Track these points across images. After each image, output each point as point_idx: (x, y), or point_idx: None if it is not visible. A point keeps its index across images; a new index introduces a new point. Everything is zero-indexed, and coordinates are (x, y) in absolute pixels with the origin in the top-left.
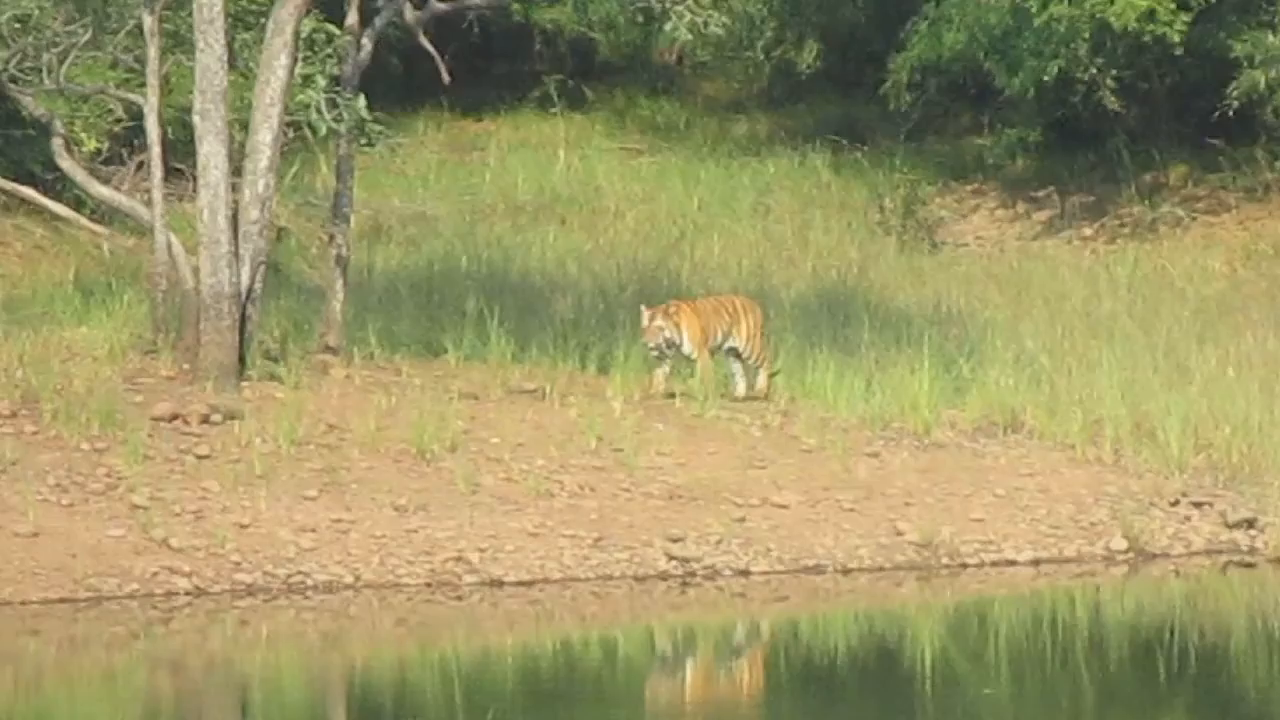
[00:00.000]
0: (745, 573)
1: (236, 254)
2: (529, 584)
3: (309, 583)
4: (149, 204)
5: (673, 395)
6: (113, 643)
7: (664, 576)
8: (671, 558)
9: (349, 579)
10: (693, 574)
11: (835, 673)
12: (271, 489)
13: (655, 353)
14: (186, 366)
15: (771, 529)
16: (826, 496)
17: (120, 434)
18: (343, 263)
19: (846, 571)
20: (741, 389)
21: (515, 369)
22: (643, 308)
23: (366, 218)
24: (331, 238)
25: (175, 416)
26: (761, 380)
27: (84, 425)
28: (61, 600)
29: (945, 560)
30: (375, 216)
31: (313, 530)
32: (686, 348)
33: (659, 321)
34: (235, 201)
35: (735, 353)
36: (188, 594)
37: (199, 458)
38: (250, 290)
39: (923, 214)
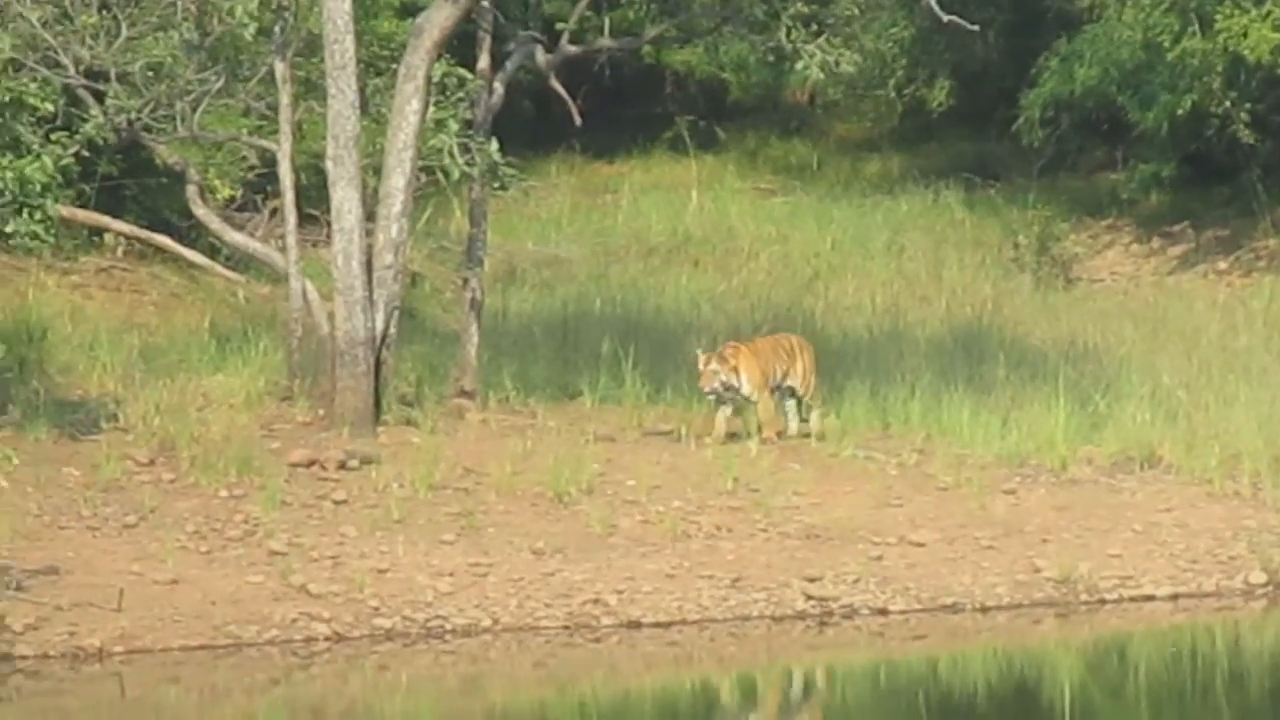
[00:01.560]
0: (883, 612)
1: (371, 299)
2: (666, 625)
3: (447, 627)
4: (283, 250)
5: (734, 436)
6: (252, 689)
7: (801, 616)
8: (809, 597)
9: (487, 622)
10: (830, 614)
11: (975, 711)
12: (409, 534)
13: (713, 397)
14: (322, 412)
15: (908, 567)
16: (963, 534)
17: (258, 480)
18: (477, 306)
19: (984, 609)
20: (793, 427)
21: (650, 411)
22: (699, 353)
23: (500, 261)
24: (465, 282)
25: (312, 462)
26: (816, 419)
27: (221, 472)
28: (201, 647)
29: (1084, 597)
30: (509, 260)
31: (450, 574)
32: (746, 389)
33: (714, 366)
34: (369, 247)
35: (791, 391)
36: (327, 639)
37: (336, 503)
38: (385, 335)
39: (1057, 250)
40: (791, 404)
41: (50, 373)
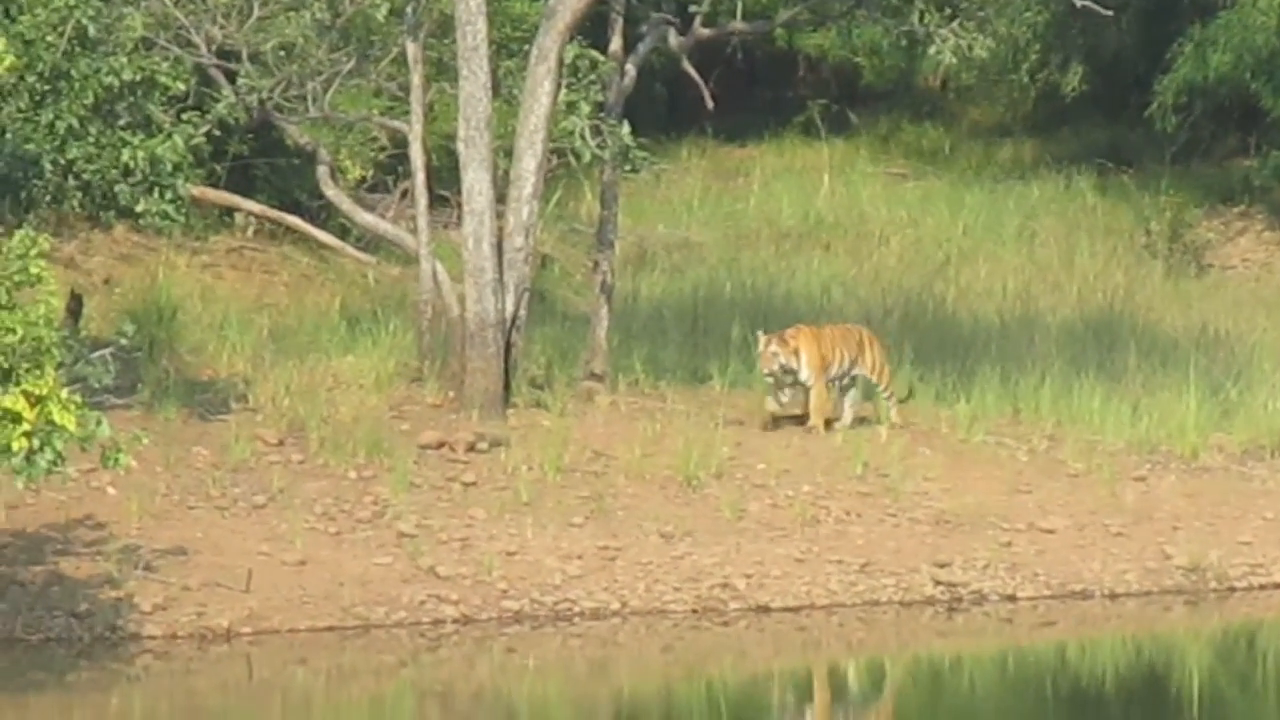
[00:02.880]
0: (1012, 598)
1: (501, 281)
2: (795, 610)
3: (575, 610)
4: (414, 232)
5: (863, 420)
6: (380, 671)
7: (930, 602)
8: (938, 583)
9: (615, 606)
10: (959, 600)
11: (1104, 699)
12: (538, 516)
13: (770, 379)
14: (452, 394)
15: (1038, 554)
16: (1093, 521)
17: (387, 462)
18: (607, 290)
19: (1114, 596)
20: (848, 419)
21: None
22: (760, 334)
23: (631, 244)
24: (596, 265)
25: (441, 444)
26: (894, 412)
27: (351, 454)
28: (329, 629)
29: (1213, 584)
30: (640, 243)
31: (579, 557)
32: (804, 374)
33: (773, 348)
34: (500, 229)
35: (864, 382)
36: (455, 622)
37: (465, 485)
38: (515, 318)
39: (1189, 237)
40: (852, 395)
41: (180, 353)
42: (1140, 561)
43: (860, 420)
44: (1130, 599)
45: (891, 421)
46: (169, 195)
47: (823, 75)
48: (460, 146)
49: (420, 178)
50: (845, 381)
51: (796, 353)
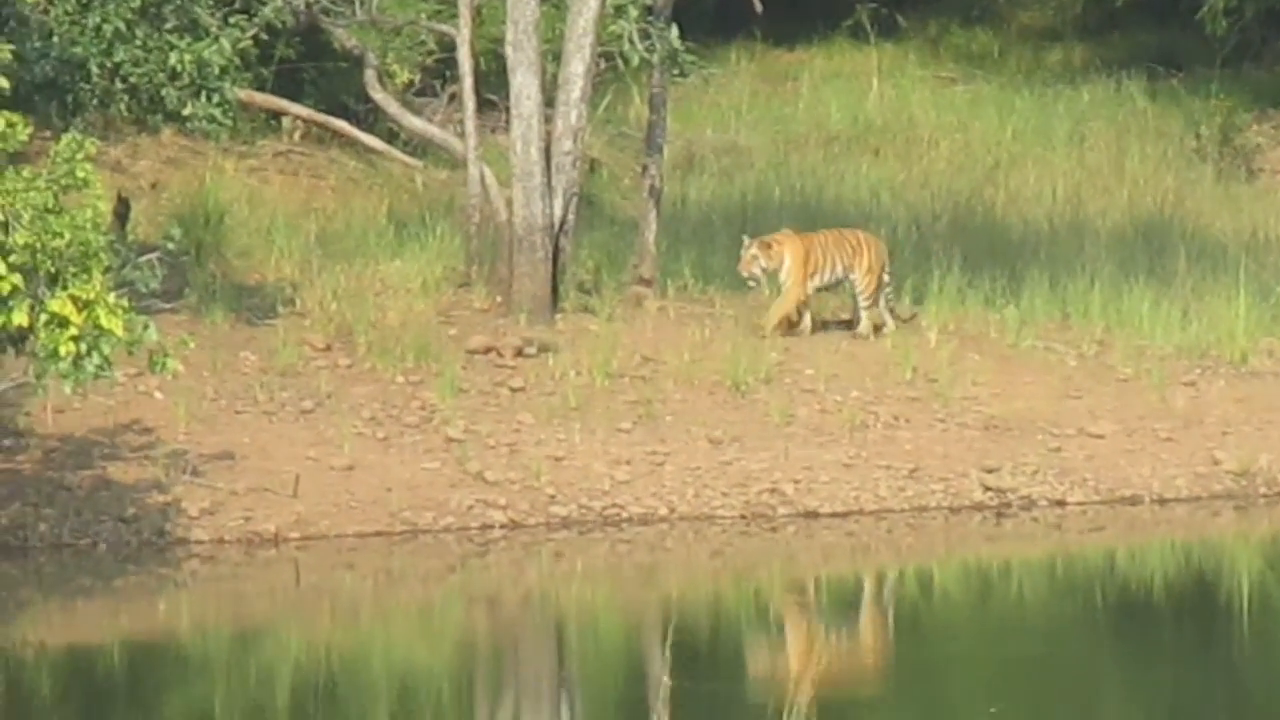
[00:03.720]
0: (1061, 503)
1: (549, 186)
2: (843, 516)
3: (624, 515)
4: (461, 136)
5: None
6: (428, 576)
7: (979, 508)
8: (987, 489)
9: (663, 511)
10: (1008, 505)
11: (1153, 604)
12: (586, 422)
13: (753, 283)
14: (500, 299)
15: (1087, 459)
16: (1143, 426)
17: (435, 367)
18: (656, 194)
19: (1163, 502)
20: (890, 323)
21: (829, 300)
22: (745, 238)
23: (679, 149)
24: (645, 169)
25: (489, 349)
26: (864, 322)
27: (399, 359)
28: (376, 534)
29: (1263, 490)
30: (688, 148)
31: (627, 463)
32: (784, 278)
33: (754, 252)
34: (548, 133)
35: (851, 286)
36: (503, 527)
37: (513, 390)
38: (563, 223)
39: (1239, 141)
40: (887, 295)
41: (227, 257)
42: (1189, 467)
43: (908, 325)
44: (1179, 504)
45: (860, 332)
46: (216, 99)
47: None
48: (508, 50)
49: (468, 82)
50: (837, 287)
51: (781, 258)
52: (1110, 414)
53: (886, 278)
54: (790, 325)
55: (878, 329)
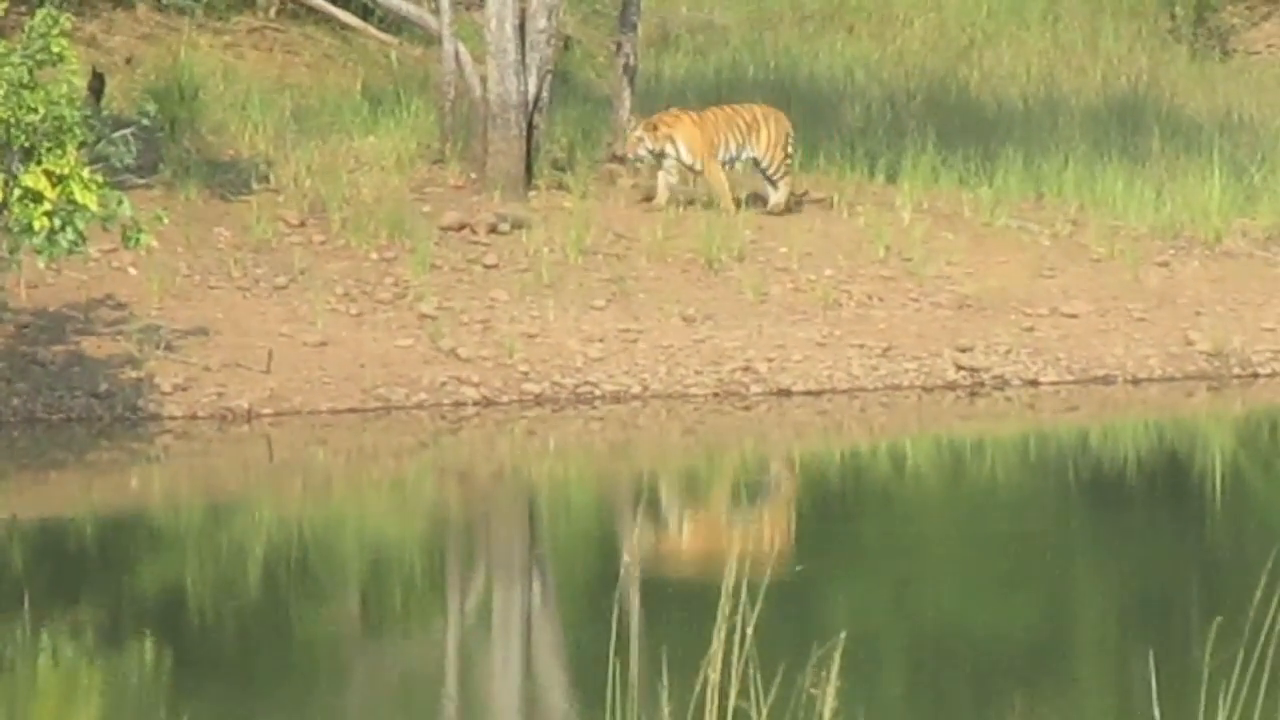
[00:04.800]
0: (1034, 383)
1: (524, 63)
2: (816, 394)
3: (596, 393)
4: (436, 13)
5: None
6: (400, 452)
7: (952, 387)
8: (960, 368)
9: (636, 389)
10: (981, 384)
11: (1126, 483)
12: (559, 299)
13: (638, 164)
14: (474, 176)
15: (1061, 339)
16: (1116, 306)
17: (408, 243)
18: (630, 71)
19: (1136, 382)
20: (776, 198)
21: (803, 178)
22: (630, 118)
23: (654, 26)
24: (619, 46)
25: (463, 226)
26: (779, 194)
27: (372, 234)
28: (349, 410)
29: (1236, 370)
30: (663, 25)
31: (600, 340)
32: (687, 158)
33: (639, 133)
34: (522, 10)
35: (755, 163)
36: (475, 404)
37: (486, 267)
38: (537, 99)
39: (1214, 21)
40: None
41: (201, 132)
42: (1163, 347)
43: (882, 204)
44: (1153, 384)
45: (772, 207)
46: None
47: None
48: None
49: None
50: (739, 164)
51: (670, 139)
52: (1084, 293)
53: (790, 149)
54: (648, 199)
55: (737, 205)
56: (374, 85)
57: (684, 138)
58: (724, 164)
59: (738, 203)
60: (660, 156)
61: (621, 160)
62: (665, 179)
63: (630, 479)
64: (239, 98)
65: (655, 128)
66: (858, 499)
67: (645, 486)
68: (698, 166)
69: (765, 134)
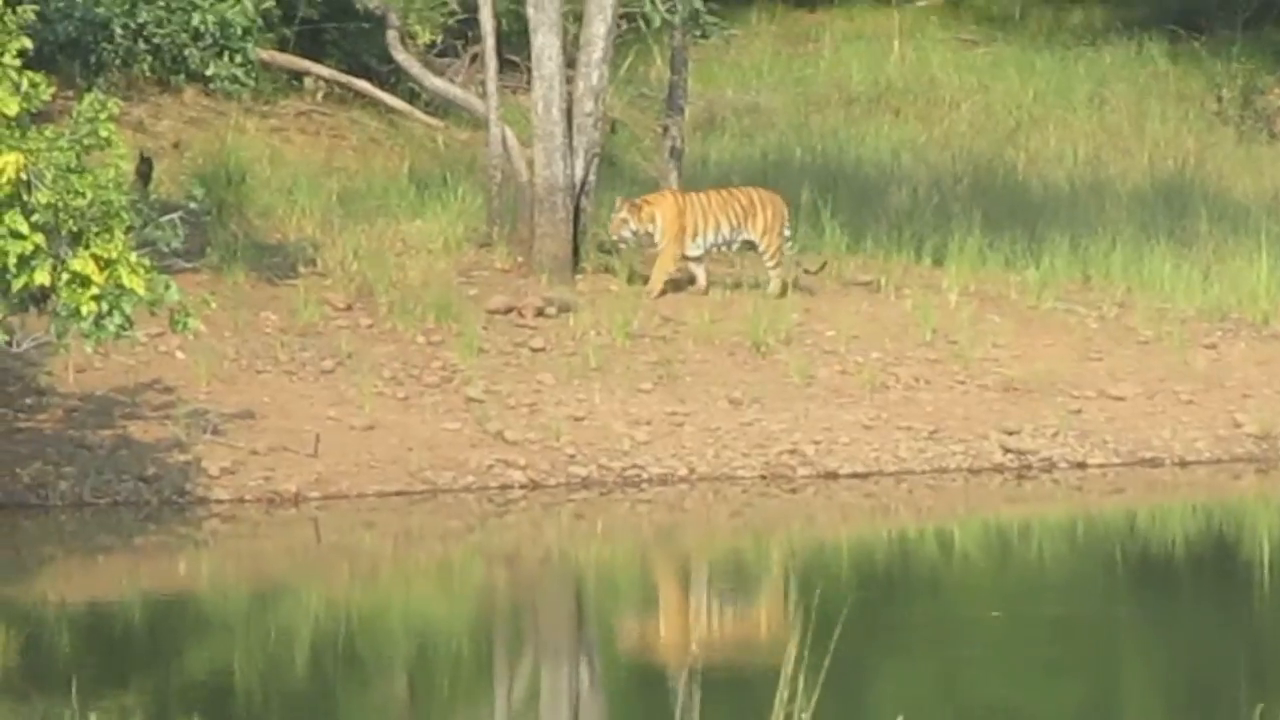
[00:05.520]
0: (1081, 465)
1: (571, 146)
2: (863, 477)
3: (643, 476)
4: (483, 96)
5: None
6: (448, 536)
7: (999, 469)
8: (1007, 450)
9: (683, 472)
10: (1028, 467)
11: (1174, 566)
12: (606, 382)
13: (622, 245)
14: (521, 259)
15: (1108, 421)
16: (1164, 388)
17: (455, 327)
18: (677, 155)
19: (1184, 464)
20: (702, 283)
21: (850, 261)
22: (617, 199)
23: (700, 109)
24: (665, 130)
25: (510, 309)
26: (775, 283)
27: (419, 318)
28: (397, 493)
29: None
30: (709, 108)
31: (647, 423)
32: (659, 238)
33: (623, 214)
34: (569, 94)
35: (751, 246)
36: (522, 487)
37: (534, 350)
38: (584, 183)
39: (1261, 104)
40: (701, 268)
41: (249, 216)
42: (1210, 429)
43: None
44: (1200, 466)
45: (771, 292)
46: (239, 59)
47: None
48: (530, 10)
49: (490, 42)
50: (735, 248)
51: (652, 219)
52: (1131, 376)
53: (787, 233)
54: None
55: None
56: (421, 169)
57: (663, 218)
58: (716, 247)
59: (705, 291)
60: (646, 237)
61: (609, 243)
62: (698, 268)
63: (678, 563)
64: (286, 182)
65: (639, 208)
66: (906, 582)
67: (694, 571)
68: (661, 247)
69: (762, 218)
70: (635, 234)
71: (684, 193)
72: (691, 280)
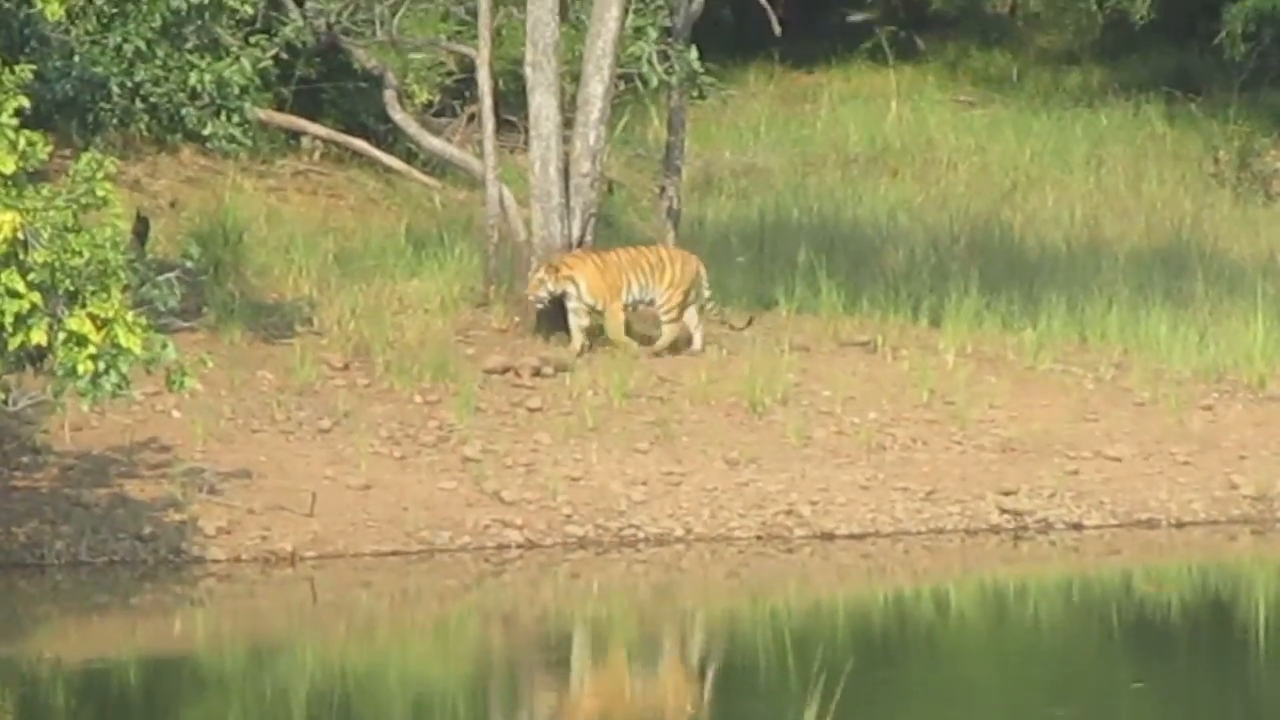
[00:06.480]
0: (1078, 526)
1: (568, 206)
2: (860, 537)
3: (640, 535)
4: (480, 156)
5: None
6: (445, 595)
7: (996, 530)
8: (1004, 511)
9: (680, 532)
10: (1025, 528)
11: (1170, 628)
12: (603, 441)
13: (539, 305)
14: (518, 319)
15: (1104, 482)
16: (1160, 450)
17: (452, 386)
18: (674, 215)
19: (1180, 525)
20: (577, 345)
21: (847, 321)
22: (533, 260)
23: (697, 170)
24: (663, 190)
25: (507, 369)
26: (665, 337)
27: (416, 377)
28: (393, 553)
29: None
30: (706, 168)
31: (644, 483)
32: (588, 299)
33: (540, 275)
34: (566, 154)
35: (652, 302)
36: (519, 546)
37: (530, 410)
38: (581, 242)
39: (1257, 166)
40: (691, 314)
41: (246, 275)
42: (1207, 490)
43: (925, 347)
44: (1197, 528)
45: (658, 347)
46: (236, 118)
47: (891, 1)
48: (527, 71)
49: (487, 102)
50: (643, 306)
51: (571, 280)
52: (1127, 437)
53: (706, 292)
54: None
55: (677, 345)
56: (418, 228)
57: (585, 279)
58: (629, 306)
59: (580, 353)
60: (562, 298)
61: (528, 301)
62: (576, 322)
63: (675, 624)
64: (283, 241)
65: (556, 269)
66: (903, 643)
67: (690, 632)
68: (599, 306)
69: (668, 275)
70: (551, 294)
71: (598, 252)
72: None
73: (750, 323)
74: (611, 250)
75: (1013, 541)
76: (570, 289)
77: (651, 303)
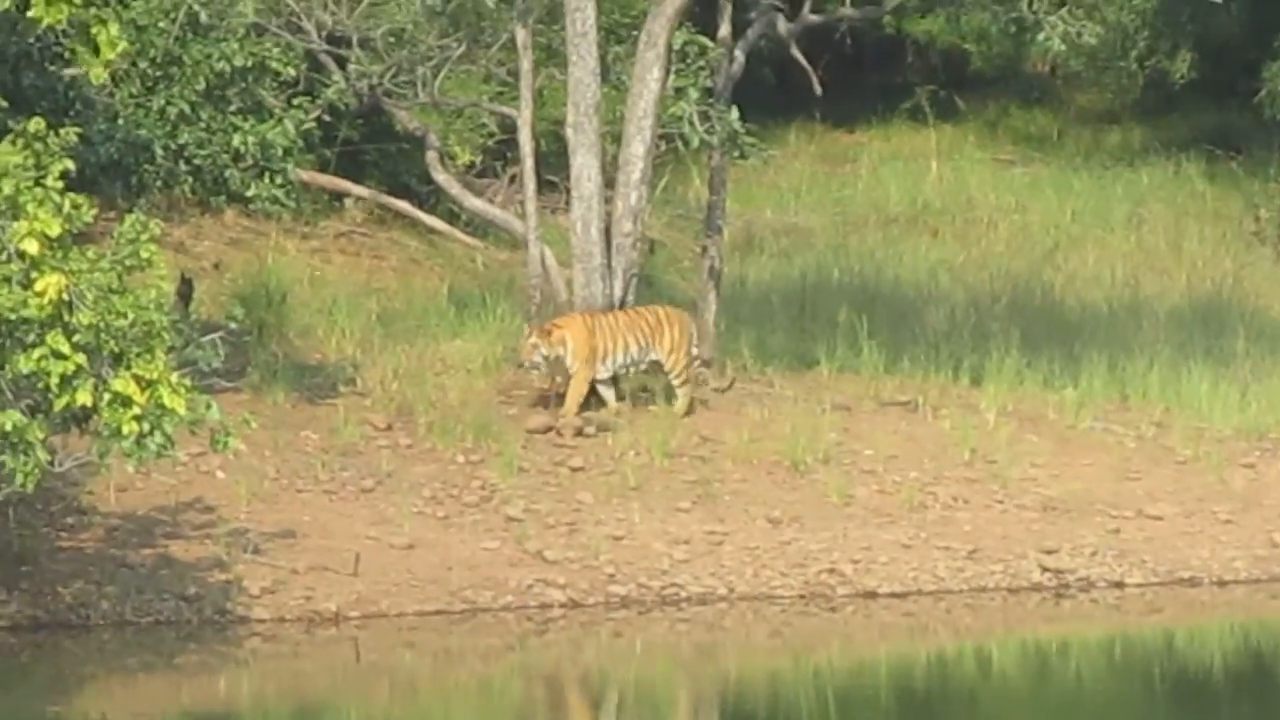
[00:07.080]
0: (1120, 585)
1: (609, 266)
2: (902, 596)
3: (683, 595)
4: (522, 217)
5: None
6: (488, 655)
7: (1038, 589)
8: (1045, 570)
9: (722, 591)
10: (1067, 586)
11: (1213, 687)
12: (645, 501)
13: (535, 371)
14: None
15: (1146, 541)
16: (1202, 508)
17: (495, 446)
18: (715, 275)
19: (1222, 584)
20: (612, 405)
21: (888, 381)
22: (525, 326)
23: (739, 229)
24: (704, 250)
25: (549, 429)
26: (682, 400)
27: (459, 438)
28: (437, 612)
29: None
30: (747, 228)
31: (686, 542)
32: (569, 361)
33: (533, 340)
34: (608, 214)
35: (658, 366)
36: (562, 606)
37: (573, 470)
38: (623, 303)
39: None
40: (610, 390)
41: (289, 336)
42: (1249, 549)
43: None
44: (1239, 586)
45: (677, 409)
46: (279, 180)
47: (931, 61)
48: (569, 132)
49: (529, 163)
50: (643, 367)
51: (563, 342)
52: (1169, 495)
53: (695, 351)
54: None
55: (692, 406)
56: (460, 289)
57: (573, 341)
58: (625, 368)
59: (618, 412)
60: (557, 361)
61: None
62: (605, 392)
63: (719, 683)
64: (326, 302)
65: (549, 332)
66: (945, 702)
67: (733, 691)
68: (572, 370)
69: (669, 336)
70: (546, 359)
71: (592, 314)
72: (602, 403)
73: (732, 384)
74: (609, 313)
75: (1055, 600)
76: (562, 350)
77: (655, 365)
